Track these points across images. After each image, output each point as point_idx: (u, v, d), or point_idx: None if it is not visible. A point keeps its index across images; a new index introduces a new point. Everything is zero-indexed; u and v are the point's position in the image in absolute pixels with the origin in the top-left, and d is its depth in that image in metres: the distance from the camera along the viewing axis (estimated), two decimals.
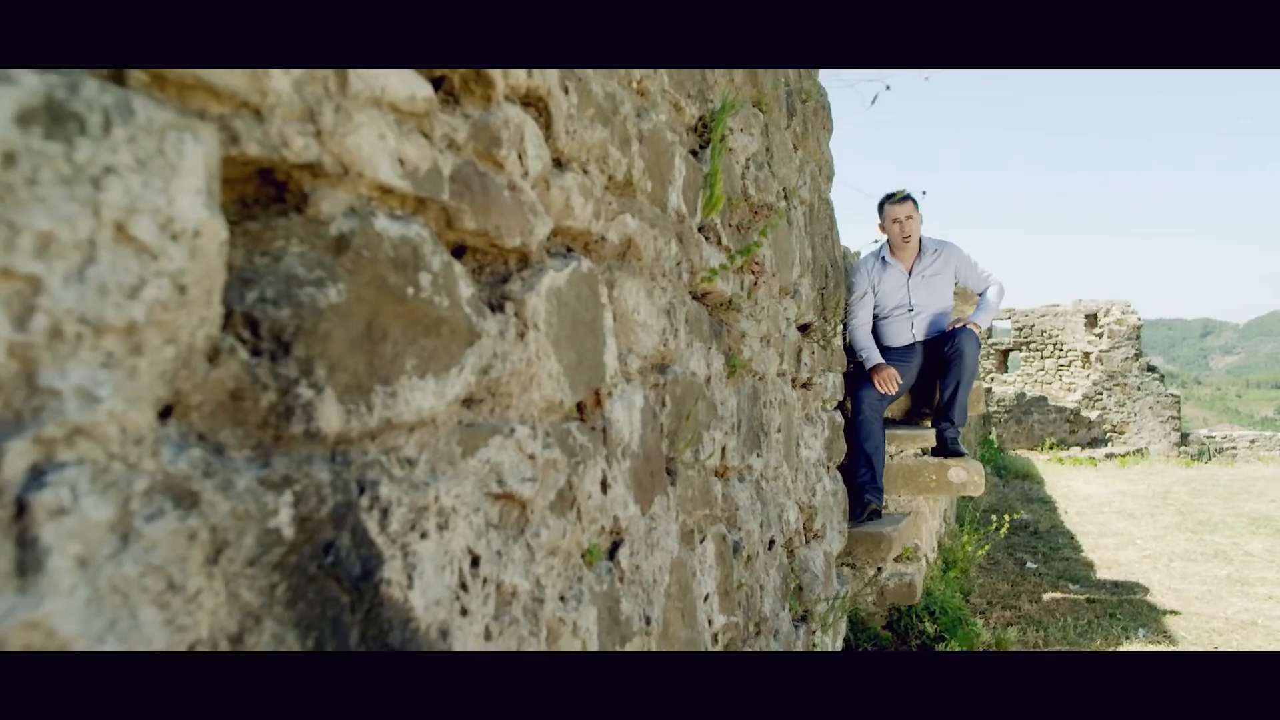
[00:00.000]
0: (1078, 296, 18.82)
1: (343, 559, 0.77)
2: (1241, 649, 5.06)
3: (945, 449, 4.38)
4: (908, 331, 4.25)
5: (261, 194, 0.77)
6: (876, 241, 4.23)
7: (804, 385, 2.71)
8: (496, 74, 0.99)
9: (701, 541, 1.64)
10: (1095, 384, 17.46)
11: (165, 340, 0.64)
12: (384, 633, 0.82)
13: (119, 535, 0.60)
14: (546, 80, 1.09)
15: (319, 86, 0.77)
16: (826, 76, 3.30)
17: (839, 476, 3.20)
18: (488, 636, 0.97)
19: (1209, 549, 7.70)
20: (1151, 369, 17.72)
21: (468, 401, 0.97)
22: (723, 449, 1.79)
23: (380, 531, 0.82)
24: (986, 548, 6.69)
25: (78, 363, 0.58)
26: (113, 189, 0.59)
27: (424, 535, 0.88)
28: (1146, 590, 6.43)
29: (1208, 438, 17.60)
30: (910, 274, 4.19)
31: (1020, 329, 18.64)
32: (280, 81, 0.72)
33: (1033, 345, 18.59)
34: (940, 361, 4.24)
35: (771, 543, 2.14)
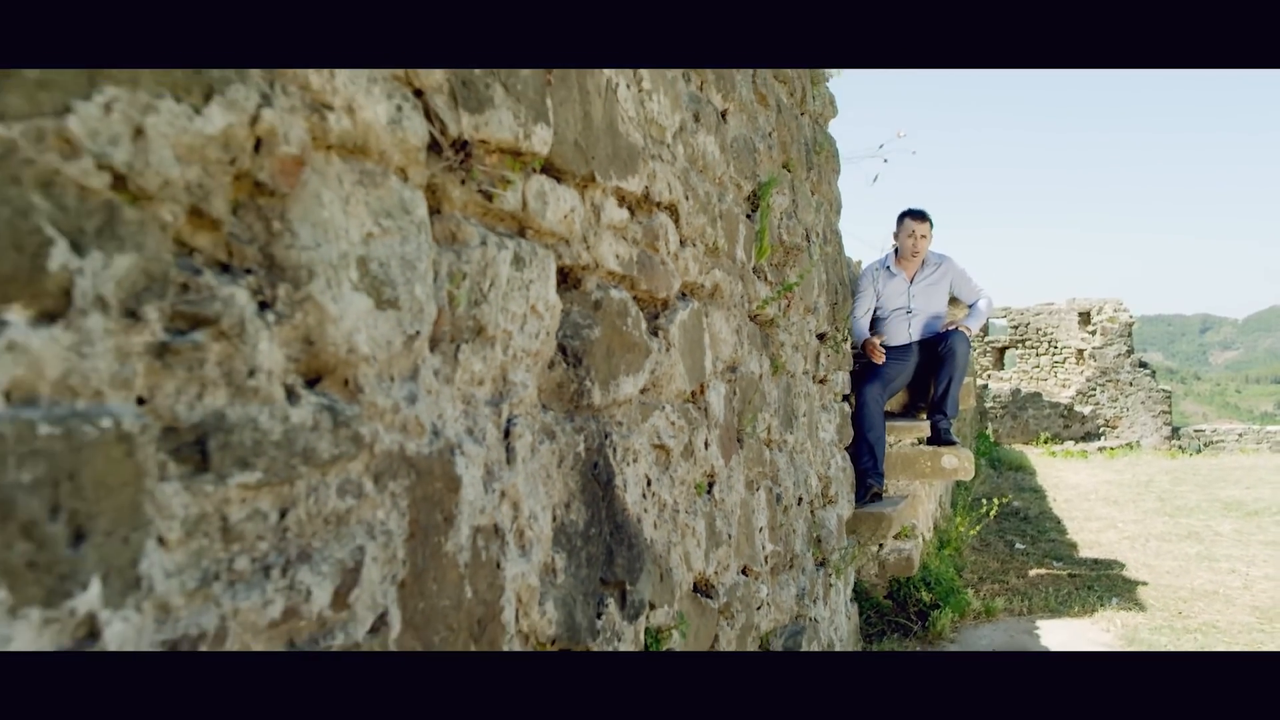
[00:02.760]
0: (1072, 295, 19.30)
1: (599, 471, 1.47)
2: (1200, 614, 5.74)
3: (939, 438, 4.98)
4: (905, 331, 4.91)
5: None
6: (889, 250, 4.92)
7: (821, 381, 3.40)
8: (656, 195, 1.68)
9: (757, 490, 2.34)
10: (1089, 380, 17.97)
11: (540, 358, 1.33)
12: (615, 514, 1.51)
13: (530, 449, 1.29)
14: (677, 194, 1.78)
15: (587, 222, 1.46)
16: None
17: (847, 456, 3.89)
18: (655, 527, 1.66)
19: (1183, 530, 8.35)
20: (1143, 365, 18.25)
21: (643, 390, 1.66)
22: (769, 426, 2.48)
23: (614, 458, 1.51)
24: (978, 528, 7.35)
25: (519, 369, 1.27)
26: (532, 288, 1.28)
27: (628, 464, 1.57)
28: (1123, 566, 7.09)
29: (1197, 431, 18.17)
30: (912, 282, 4.88)
31: (1015, 327, 19.13)
32: (575, 223, 1.41)
33: (1028, 343, 19.05)
34: (935, 360, 4.91)
35: (800, 499, 2.84)
